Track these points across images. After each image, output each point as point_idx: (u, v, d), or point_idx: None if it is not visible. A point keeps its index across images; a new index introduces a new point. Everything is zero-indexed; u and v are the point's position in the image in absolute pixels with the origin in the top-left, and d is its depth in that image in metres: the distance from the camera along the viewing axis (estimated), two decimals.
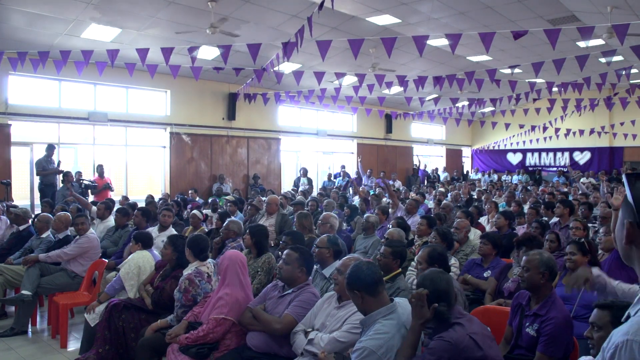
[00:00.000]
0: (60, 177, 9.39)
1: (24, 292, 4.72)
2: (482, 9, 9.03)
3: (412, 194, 10.24)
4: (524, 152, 20.68)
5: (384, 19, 9.47)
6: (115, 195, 9.94)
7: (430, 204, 9.34)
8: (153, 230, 5.51)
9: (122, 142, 11.81)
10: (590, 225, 5.56)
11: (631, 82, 11.98)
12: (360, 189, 9.58)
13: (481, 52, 10.98)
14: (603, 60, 10.37)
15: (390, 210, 7.21)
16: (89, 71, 8.90)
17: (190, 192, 11.04)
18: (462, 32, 7.81)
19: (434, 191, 11.79)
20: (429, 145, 20.34)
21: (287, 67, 11.34)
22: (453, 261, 4.21)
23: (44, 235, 5.51)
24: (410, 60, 11.77)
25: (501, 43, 10.35)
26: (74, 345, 4.51)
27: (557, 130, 17.22)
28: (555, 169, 19.24)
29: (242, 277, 3.31)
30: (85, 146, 11.40)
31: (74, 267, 5.06)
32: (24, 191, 10.26)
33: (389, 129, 18.17)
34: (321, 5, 6.05)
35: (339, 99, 13.36)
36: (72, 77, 9.74)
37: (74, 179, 9.24)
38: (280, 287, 3.23)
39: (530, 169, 20.10)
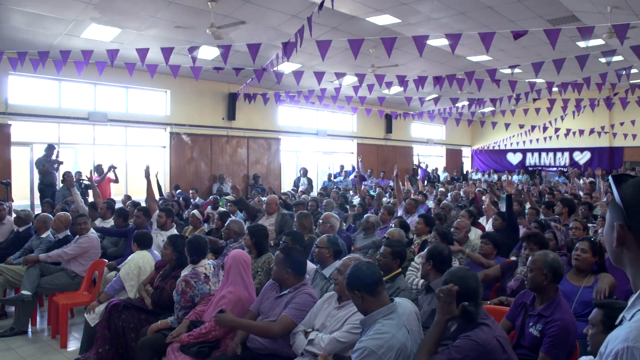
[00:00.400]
0: (60, 177, 9.38)
1: (24, 292, 4.72)
2: (482, 9, 9.03)
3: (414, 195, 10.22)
4: (524, 152, 20.69)
5: (384, 19, 9.47)
6: (117, 195, 9.95)
7: (430, 203, 9.34)
8: (154, 230, 5.50)
9: (122, 142, 11.82)
10: (590, 225, 5.56)
11: (631, 82, 11.98)
12: (362, 189, 9.58)
13: (481, 52, 10.97)
14: (603, 60, 10.37)
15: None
16: (88, 71, 8.90)
17: (191, 192, 11.06)
18: (462, 32, 7.81)
19: (434, 191, 11.78)
20: (429, 145, 20.34)
21: (287, 67, 11.34)
22: (453, 261, 4.21)
23: (43, 236, 5.51)
24: (410, 60, 11.77)
25: (501, 43, 10.35)
26: (74, 345, 4.51)
27: (557, 130, 17.22)
28: (555, 169, 19.24)
29: (246, 276, 3.32)
30: (85, 146, 11.40)
31: (74, 267, 5.06)
32: (24, 191, 10.27)
33: (389, 129, 18.17)
34: (321, 5, 6.05)
35: (339, 99, 13.37)
36: (72, 77, 9.74)
37: (74, 179, 9.23)
38: (277, 288, 3.21)
39: (530, 169, 20.10)
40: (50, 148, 9.45)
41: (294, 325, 2.93)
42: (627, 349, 0.98)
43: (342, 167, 15.24)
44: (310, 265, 4.03)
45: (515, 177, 18.01)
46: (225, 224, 5.36)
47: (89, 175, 8.23)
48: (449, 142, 21.45)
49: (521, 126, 17.40)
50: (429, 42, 8.53)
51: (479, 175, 19.21)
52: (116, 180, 10.44)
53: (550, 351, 2.52)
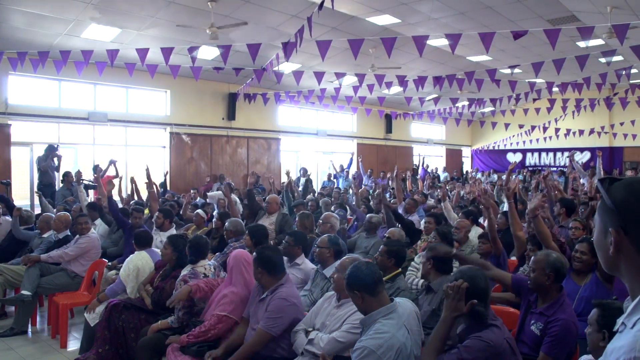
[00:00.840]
0: (60, 177, 9.37)
1: (23, 292, 4.72)
2: (482, 9, 9.03)
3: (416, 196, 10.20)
4: (524, 152, 20.69)
5: (384, 19, 9.47)
6: (117, 195, 9.91)
7: (431, 202, 9.32)
8: (153, 231, 5.50)
9: (122, 142, 11.82)
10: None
11: (631, 82, 11.97)
12: (361, 190, 9.56)
13: (481, 52, 10.97)
14: (603, 60, 10.36)
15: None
16: (88, 71, 8.89)
17: (192, 192, 11.05)
18: (462, 32, 7.81)
19: (437, 191, 11.74)
20: (429, 145, 20.34)
21: (287, 67, 11.34)
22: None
23: (45, 235, 5.53)
24: (410, 60, 11.77)
25: (501, 43, 10.35)
26: (73, 345, 4.50)
27: (557, 130, 17.22)
28: (555, 169, 19.23)
29: (247, 275, 3.31)
30: (85, 146, 11.40)
31: (74, 267, 5.06)
32: (24, 191, 10.26)
33: (388, 129, 18.17)
34: (321, 5, 6.05)
35: (338, 99, 13.37)
36: (72, 77, 9.74)
37: (74, 179, 9.21)
38: (260, 290, 3.14)
39: (530, 169, 20.10)
40: (50, 149, 9.41)
41: (271, 336, 2.89)
42: (635, 359, 0.94)
43: (341, 166, 15.22)
44: (311, 265, 4.03)
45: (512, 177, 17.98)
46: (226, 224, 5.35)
47: (95, 175, 8.21)
48: (449, 142, 21.46)
49: (521, 126, 17.40)
50: (428, 42, 8.53)
51: (479, 175, 19.20)
52: (117, 175, 10.38)
53: (551, 351, 2.52)
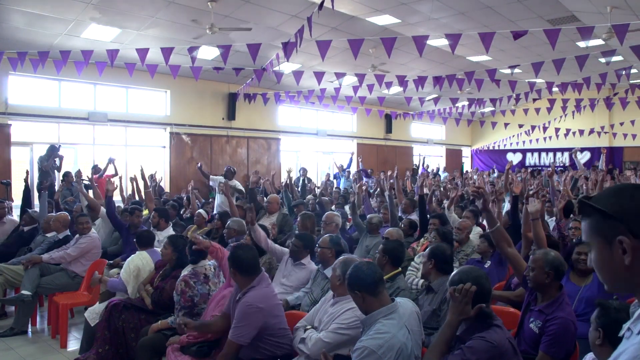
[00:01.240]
0: (60, 177, 9.36)
1: (23, 292, 4.72)
2: (482, 9, 9.03)
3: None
4: (524, 152, 20.69)
5: (384, 19, 9.47)
6: (118, 195, 9.90)
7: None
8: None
9: (122, 142, 11.81)
10: None
11: (631, 82, 11.98)
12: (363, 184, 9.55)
13: (481, 52, 10.97)
14: (603, 60, 10.37)
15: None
16: (88, 71, 8.89)
17: (194, 191, 11.00)
18: (462, 32, 7.81)
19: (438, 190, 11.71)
20: (429, 145, 20.34)
21: (287, 67, 11.34)
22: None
23: (48, 235, 5.55)
24: (410, 60, 11.77)
25: (501, 43, 10.35)
26: (73, 345, 4.51)
27: (557, 130, 17.22)
28: (555, 168, 19.23)
29: None
30: (85, 146, 11.39)
31: (74, 267, 5.06)
32: None
33: (388, 129, 18.17)
34: (321, 5, 6.05)
35: (338, 99, 13.37)
36: (72, 77, 9.73)
37: (74, 179, 9.20)
38: (237, 289, 3.05)
39: (530, 168, 20.09)
40: (53, 149, 9.37)
41: (238, 345, 2.83)
42: None
43: (341, 166, 15.22)
44: (315, 266, 4.02)
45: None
46: (226, 224, 5.35)
47: (89, 176, 8.22)
48: (448, 142, 21.45)
49: (521, 126, 17.40)
50: (428, 42, 8.53)
51: (475, 177, 19.17)
52: (116, 174, 10.35)
53: (549, 350, 2.52)
